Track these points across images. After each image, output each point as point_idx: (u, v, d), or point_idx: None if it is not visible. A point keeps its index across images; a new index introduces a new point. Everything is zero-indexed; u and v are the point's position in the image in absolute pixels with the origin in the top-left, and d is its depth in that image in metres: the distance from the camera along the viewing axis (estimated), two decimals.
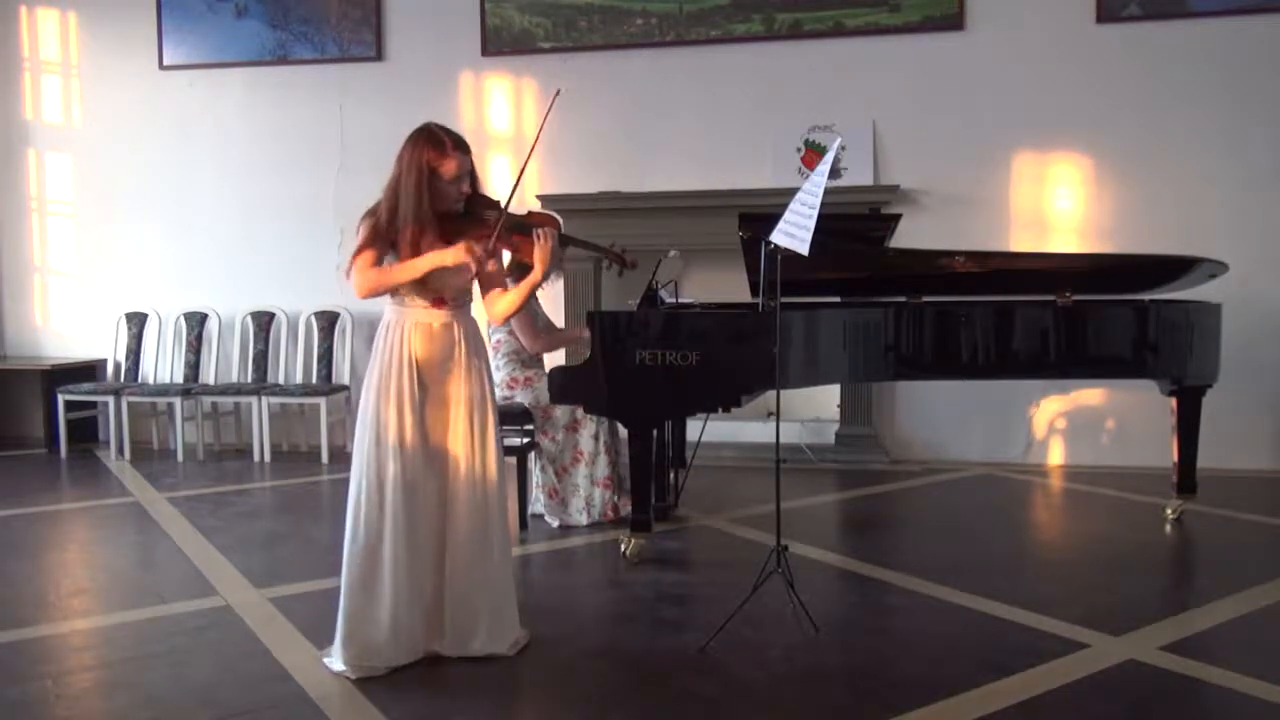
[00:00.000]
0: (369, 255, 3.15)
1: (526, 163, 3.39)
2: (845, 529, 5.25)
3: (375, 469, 3.17)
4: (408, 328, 3.21)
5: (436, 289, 3.20)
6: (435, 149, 3.12)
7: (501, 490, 3.35)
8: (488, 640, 3.27)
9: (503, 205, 3.22)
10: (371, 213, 3.19)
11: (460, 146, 3.16)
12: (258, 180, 7.18)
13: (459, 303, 3.26)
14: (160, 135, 7.28)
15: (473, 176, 3.21)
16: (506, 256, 3.55)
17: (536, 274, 3.24)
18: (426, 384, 3.21)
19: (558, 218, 3.37)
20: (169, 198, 7.30)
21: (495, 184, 6.14)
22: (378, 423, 3.18)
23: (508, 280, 3.44)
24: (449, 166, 3.12)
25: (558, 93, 3.33)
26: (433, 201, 3.13)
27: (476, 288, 3.34)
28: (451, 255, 3.09)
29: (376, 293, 3.17)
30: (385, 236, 3.15)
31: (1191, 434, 4.88)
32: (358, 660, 3.16)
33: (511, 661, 3.27)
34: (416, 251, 3.12)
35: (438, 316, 3.22)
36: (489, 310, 3.35)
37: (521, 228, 3.24)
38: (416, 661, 3.23)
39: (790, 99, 6.48)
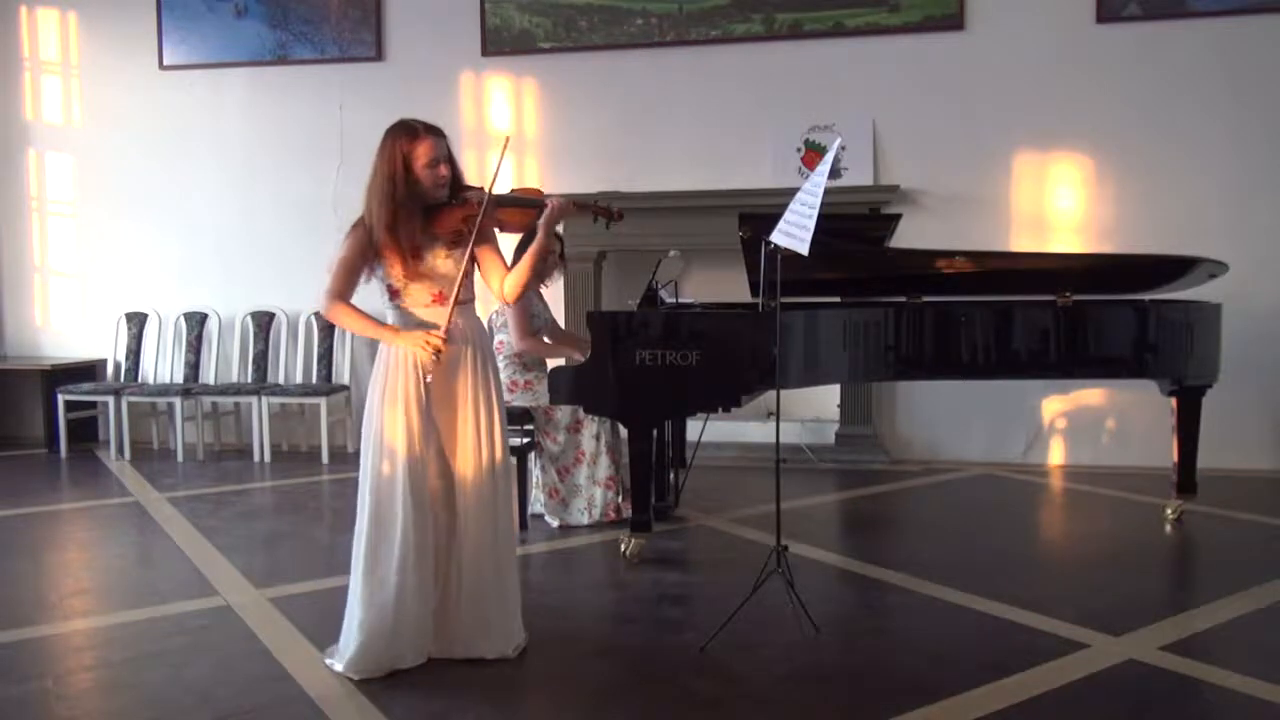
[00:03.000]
0: (344, 277, 3.15)
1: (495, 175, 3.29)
2: (845, 529, 5.25)
3: (381, 472, 3.15)
4: (412, 329, 3.18)
5: (431, 282, 3.18)
6: (407, 137, 3.14)
7: (507, 492, 3.34)
8: (494, 642, 3.25)
9: (486, 188, 3.21)
10: (360, 223, 3.17)
11: (432, 131, 3.17)
12: (258, 180, 7.18)
13: (460, 298, 3.23)
14: (160, 135, 7.28)
15: (453, 163, 3.21)
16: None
17: (539, 242, 3.26)
18: (433, 385, 3.19)
19: (541, 190, 3.38)
20: (169, 198, 7.30)
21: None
22: (383, 425, 3.16)
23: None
24: (422, 150, 3.12)
25: (507, 140, 3.32)
26: (413, 190, 3.12)
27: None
28: (407, 340, 3.11)
29: (332, 321, 3.24)
30: (372, 245, 3.14)
31: (1191, 434, 4.88)
32: (364, 663, 3.15)
33: (511, 662, 3.27)
34: (394, 239, 3.09)
35: (441, 315, 3.18)
36: (501, 290, 3.31)
37: (507, 202, 3.26)
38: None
39: (790, 99, 6.48)
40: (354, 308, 3.18)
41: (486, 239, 3.27)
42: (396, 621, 3.14)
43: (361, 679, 3.12)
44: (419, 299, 3.20)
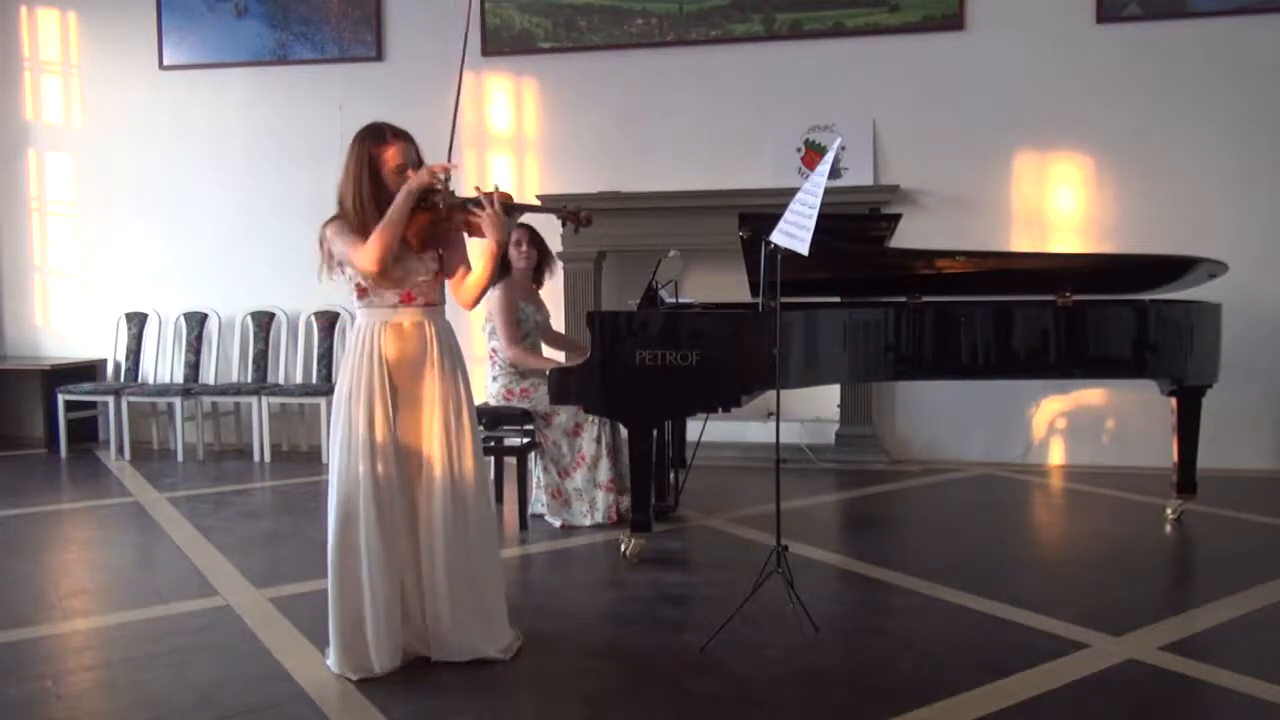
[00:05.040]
0: (356, 237, 3.13)
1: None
2: (845, 529, 5.25)
3: (349, 472, 3.16)
4: (378, 329, 3.20)
5: (402, 280, 3.18)
6: (375, 141, 3.17)
7: (483, 492, 3.31)
8: (475, 643, 3.24)
9: (454, 194, 3.22)
10: (333, 219, 3.21)
11: (401, 135, 3.19)
12: (258, 180, 7.18)
13: (429, 300, 3.24)
14: (160, 135, 7.28)
15: (419, 166, 3.21)
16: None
17: (491, 243, 3.18)
18: (398, 385, 3.19)
19: (508, 192, 3.36)
20: (169, 198, 7.30)
21: (495, 183, 6.12)
22: (350, 425, 3.17)
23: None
24: (390, 153, 3.15)
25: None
26: (379, 192, 3.14)
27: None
28: (415, 180, 3.07)
29: (387, 251, 3.07)
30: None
31: (1191, 434, 4.88)
32: (346, 665, 3.16)
33: (512, 662, 3.27)
34: (364, 240, 3.10)
35: (408, 315, 3.21)
36: (461, 297, 3.28)
37: (467, 205, 3.22)
38: (416, 661, 3.23)
39: (790, 99, 6.48)
40: (373, 233, 3.09)
41: (452, 243, 3.27)
42: (368, 623, 3.14)
43: (360, 679, 3.13)
44: (387, 299, 3.21)
